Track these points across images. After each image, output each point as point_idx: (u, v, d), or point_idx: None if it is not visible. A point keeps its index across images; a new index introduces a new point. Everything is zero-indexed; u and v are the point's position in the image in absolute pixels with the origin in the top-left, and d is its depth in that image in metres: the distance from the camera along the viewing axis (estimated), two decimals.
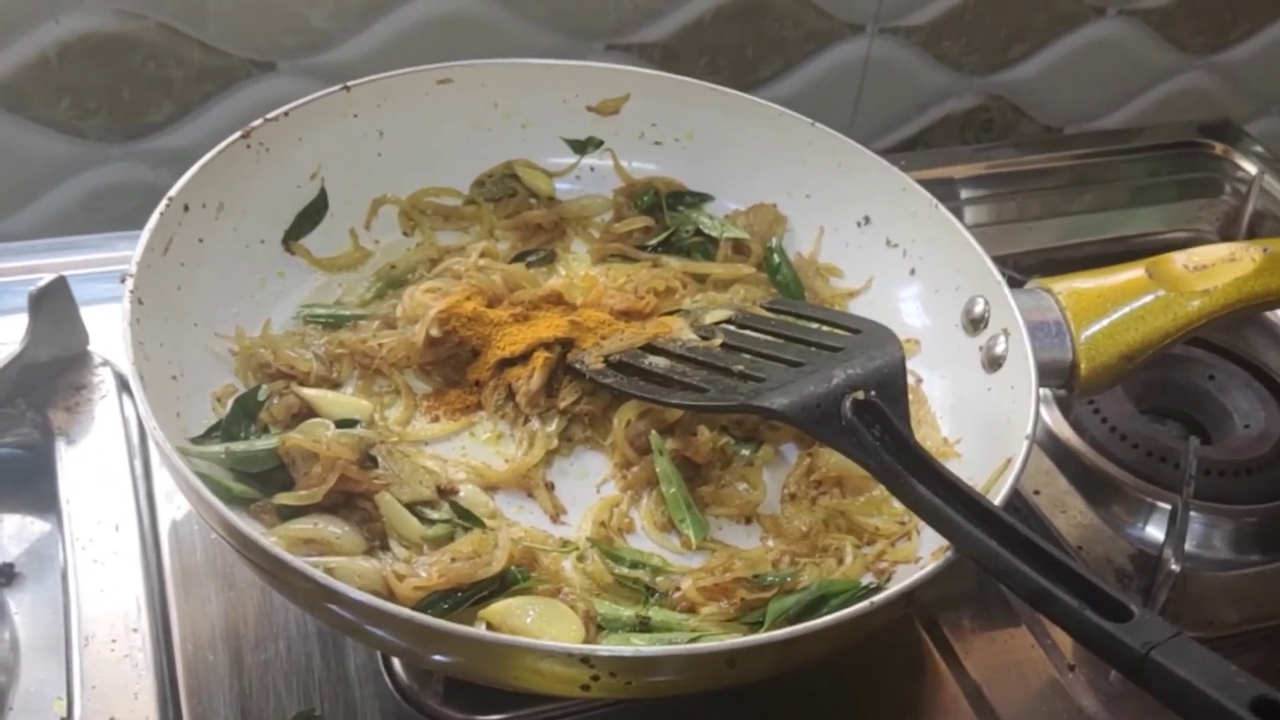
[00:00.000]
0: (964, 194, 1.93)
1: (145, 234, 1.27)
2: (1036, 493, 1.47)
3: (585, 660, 1.00)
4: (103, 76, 1.74)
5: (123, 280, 1.22)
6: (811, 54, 2.05)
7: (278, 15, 1.76)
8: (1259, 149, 2.02)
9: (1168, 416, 1.65)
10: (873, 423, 1.17)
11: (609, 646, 1.11)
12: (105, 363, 1.43)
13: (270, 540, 1.08)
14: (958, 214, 1.68)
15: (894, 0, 2.03)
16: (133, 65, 1.74)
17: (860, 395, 1.18)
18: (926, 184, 1.49)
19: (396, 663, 1.24)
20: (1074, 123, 2.30)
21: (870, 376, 1.21)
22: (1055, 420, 1.57)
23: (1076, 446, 1.54)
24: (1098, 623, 1.01)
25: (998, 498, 1.15)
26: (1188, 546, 1.41)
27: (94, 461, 1.35)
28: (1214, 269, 1.38)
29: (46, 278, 1.38)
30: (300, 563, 1.04)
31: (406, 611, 1.02)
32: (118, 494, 1.32)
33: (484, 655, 1.04)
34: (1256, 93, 2.37)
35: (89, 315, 1.43)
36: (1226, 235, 1.95)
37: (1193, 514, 1.43)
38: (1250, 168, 1.99)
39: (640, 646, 1.11)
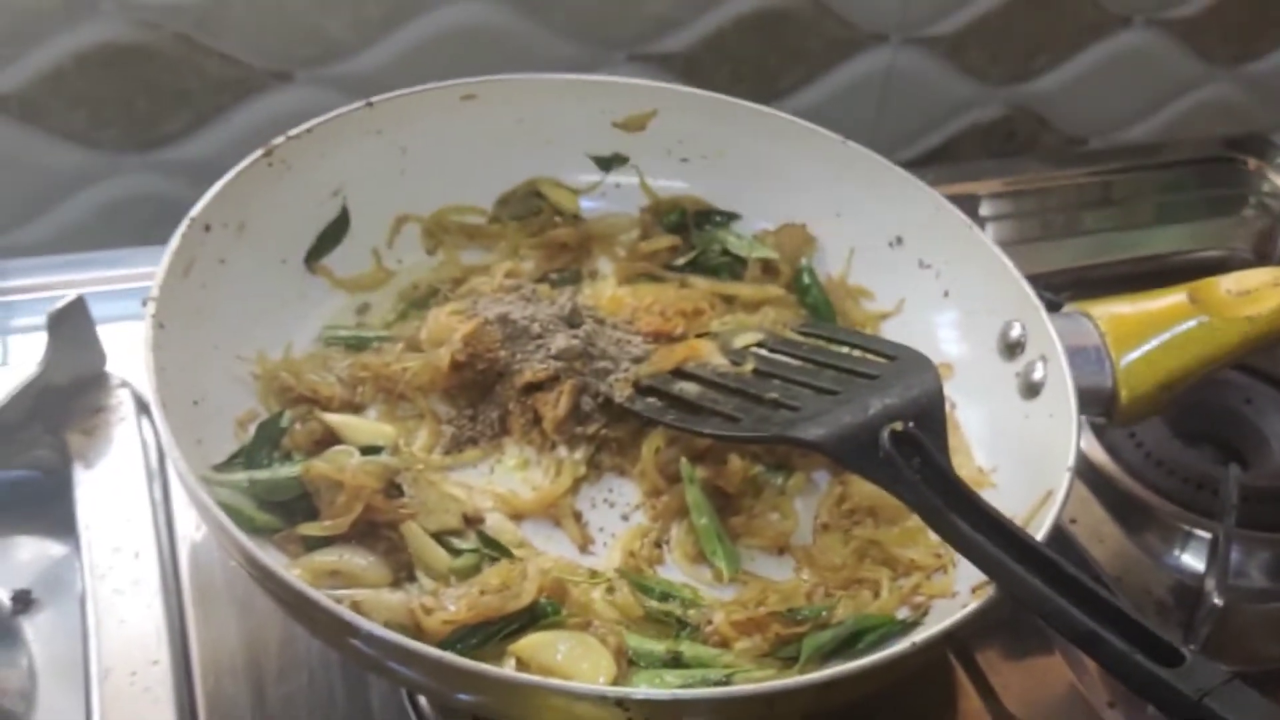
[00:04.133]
0: (986, 210, 1.91)
1: (166, 256, 1.24)
2: (1073, 521, 1.45)
3: (620, 703, 0.98)
4: (118, 87, 1.71)
5: (144, 304, 1.20)
6: (834, 64, 2.02)
7: (295, 25, 1.74)
8: None
9: (1203, 441, 1.62)
10: (911, 455, 1.14)
11: (644, 690, 1.09)
12: (124, 384, 1.40)
13: (295, 574, 1.05)
14: (982, 230, 1.66)
15: (918, 10, 2.00)
16: (149, 76, 1.71)
17: (899, 426, 1.15)
18: (950, 199, 1.46)
19: (422, 699, 1.21)
20: (1099, 134, 2.28)
21: (908, 406, 1.18)
22: (1090, 445, 1.54)
23: (1112, 472, 1.52)
24: (1150, 669, 0.98)
25: (1040, 532, 1.13)
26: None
27: (112, 486, 1.32)
28: (1259, 294, 1.35)
29: (65, 297, 1.35)
30: (325, 599, 1.01)
31: (434, 651, 1.00)
32: (137, 520, 1.29)
33: (514, 696, 1.02)
34: None
35: (106, 333, 1.40)
36: (1261, 254, 1.92)
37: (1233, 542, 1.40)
38: None
39: (676, 689, 1.08)
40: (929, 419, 1.18)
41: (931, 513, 1.12)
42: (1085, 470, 1.52)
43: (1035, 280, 1.37)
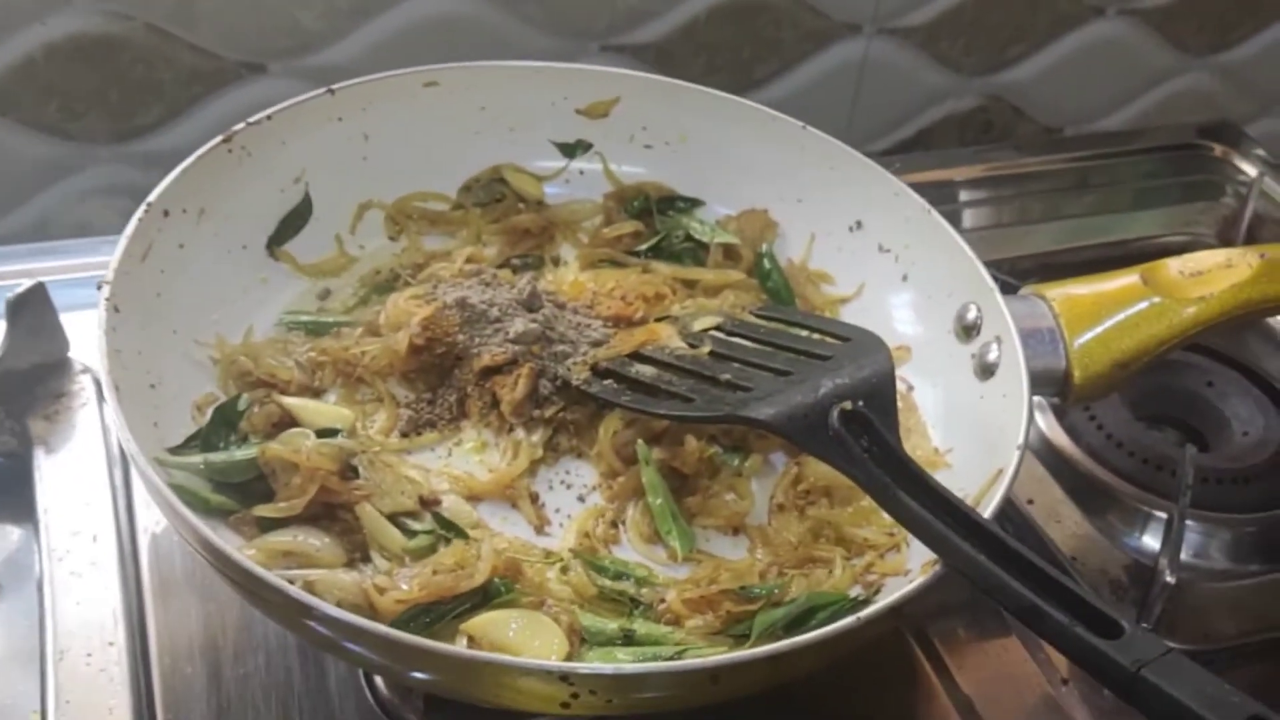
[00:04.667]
0: (963, 196, 1.91)
1: (123, 240, 1.25)
2: (1030, 502, 1.45)
3: (564, 678, 0.99)
4: (91, 78, 1.72)
5: (99, 287, 1.20)
6: (808, 54, 2.03)
7: (268, 17, 1.74)
8: (1259, 151, 2.00)
9: (1165, 423, 1.63)
10: (861, 433, 1.15)
11: (588, 664, 1.09)
12: (86, 370, 1.41)
13: (245, 555, 1.06)
14: (956, 217, 1.67)
15: (891, 0, 2.01)
16: (121, 67, 1.72)
17: (848, 405, 1.16)
18: (925, 186, 1.47)
19: (377, 678, 1.22)
20: (1074, 123, 2.28)
21: (859, 386, 1.19)
22: (1050, 427, 1.55)
23: (1072, 454, 1.53)
24: (1088, 640, 0.99)
25: (988, 509, 1.13)
26: (1185, 557, 1.40)
27: (73, 471, 1.33)
28: (1210, 275, 1.35)
29: (25, 284, 1.36)
30: (276, 579, 1.02)
31: (384, 629, 1.00)
32: (96, 504, 1.30)
33: (463, 673, 1.03)
34: (1258, 93, 2.35)
35: (70, 321, 1.41)
36: (1225, 239, 1.93)
37: (1190, 523, 1.41)
38: (1250, 170, 1.97)
39: (621, 664, 1.09)
40: (879, 398, 1.19)
41: (879, 490, 1.13)
42: (1044, 451, 1.53)
43: (1003, 265, 1.39)
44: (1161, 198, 2.00)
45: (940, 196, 1.44)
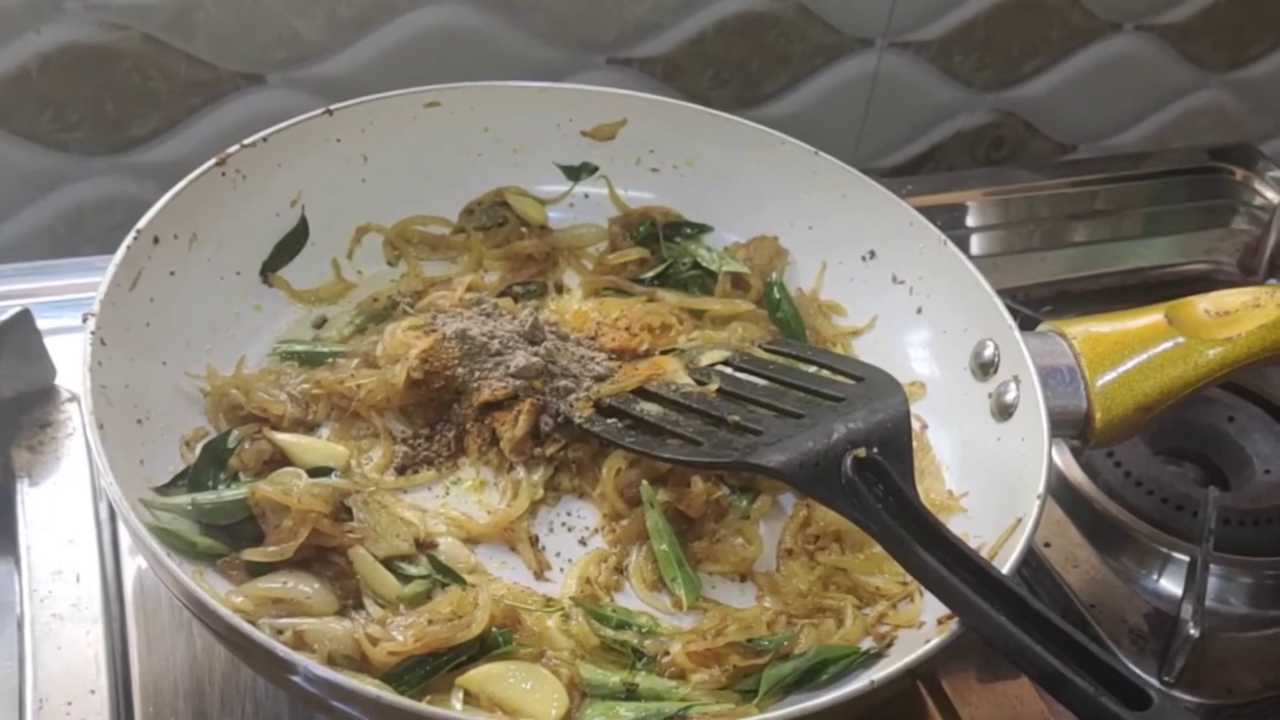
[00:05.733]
0: (973, 220, 1.88)
1: (110, 268, 1.21)
2: (1047, 545, 1.41)
3: None
4: (86, 89, 1.69)
5: (84, 319, 1.16)
6: (818, 69, 2.00)
7: (267, 27, 1.71)
8: (1277, 174, 1.96)
9: (1184, 458, 1.59)
10: (875, 482, 1.11)
11: None
12: (73, 398, 1.36)
13: (232, 603, 1.02)
14: (966, 242, 1.63)
15: (904, 14, 1.97)
16: (117, 77, 1.69)
17: (862, 453, 1.12)
18: (935, 209, 1.44)
19: None
20: (1088, 140, 2.25)
21: (873, 431, 1.15)
22: (1067, 464, 1.51)
23: (1089, 493, 1.49)
24: (1114, 711, 0.95)
25: (1008, 562, 1.10)
26: (1206, 603, 1.35)
27: (57, 505, 1.29)
28: (1237, 315, 1.31)
29: (11, 308, 1.32)
30: (260, 635, 0.98)
31: (374, 690, 0.97)
32: (80, 541, 1.26)
33: None
34: (1276, 110, 2.32)
35: (57, 346, 1.37)
36: (1247, 267, 1.88)
37: (1210, 567, 1.37)
38: (1271, 195, 1.94)
39: None
40: (894, 445, 1.15)
41: (894, 543, 1.09)
42: (1061, 491, 1.49)
43: (1018, 293, 1.35)
44: (1179, 223, 1.96)
45: (949, 220, 1.41)
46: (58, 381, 1.38)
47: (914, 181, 1.83)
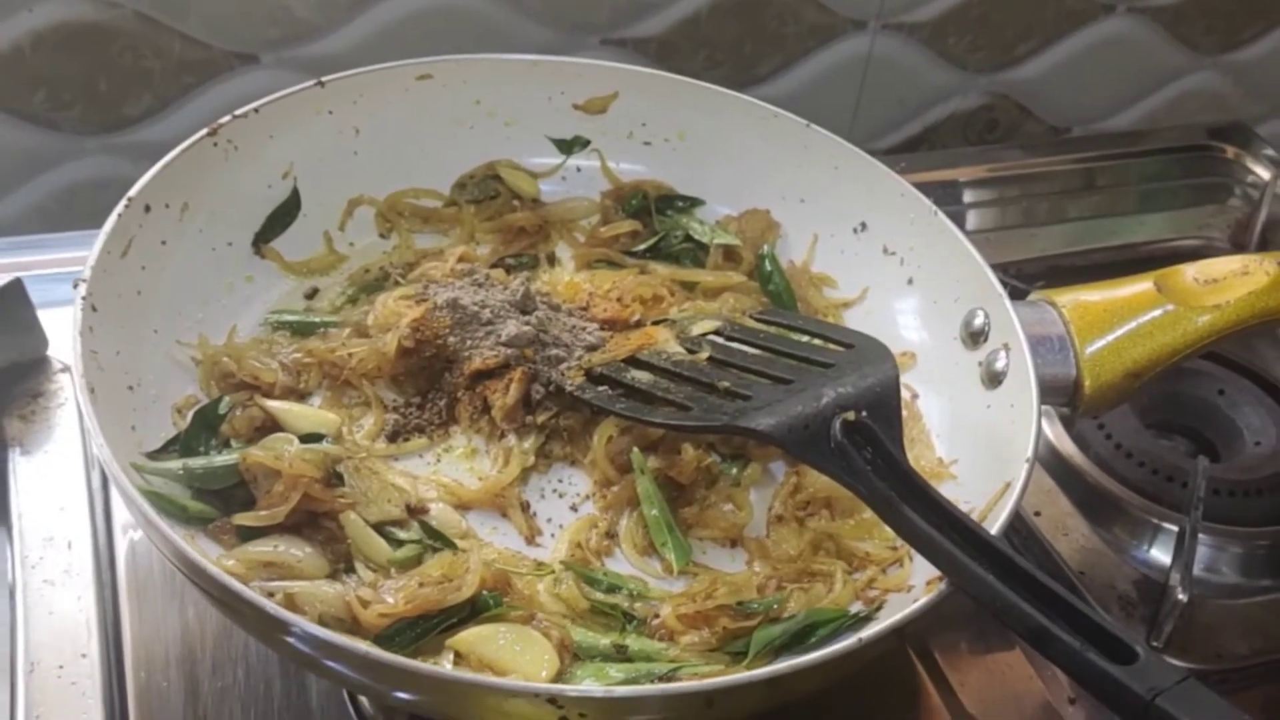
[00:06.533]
0: (968, 197, 1.88)
1: (101, 236, 1.21)
2: (1037, 514, 1.42)
3: (553, 700, 0.95)
4: (79, 67, 1.69)
5: (75, 285, 1.16)
6: (812, 50, 2.00)
7: (260, 6, 1.71)
8: (1270, 152, 1.97)
9: (1175, 432, 1.60)
10: (864, 445, 1.12)
11: (578, 686, 1.05)
12: (65, 369, 1.37)
13: (223, 566, 1.02)
14: (961, 218, 1.63)
15: None
16: (110, 56, 1.69)
17: (851, 416, 1.13)
18: (929, 186, 1.44)
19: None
20: (1081, 123, 2.25)
21: (862, 396, 1.15)
22: (1058, 436, 1.51)
23: (1080, 464, 1.49)
24: (1100, 665, 0.95)
25: (996, 525, 1.10)
26: (1195, 572, 1.36)
27: (49, 473, 1.29)
28: (1225, 283, 1.32)
29: (2, 280, 1.32)
30: (253, 594, 0.98)
31: (365, 648, 0.97)
32: (72, 508, 1.26)
33: (448, 694, 0.99)
34: (1268, 93, 2.32)
35: (50, 318, 1.38)
36: (1239, 243, 1.89)
37: (1200, 537, 1.38)
38: (1263, 173, 1.94)
39: (612, 687, 1.05)
40: (883, 409, 1.15)
41: (883, 505, 1.09)
42: (1052, 462, 1.49)
43: (1010, 268, 1.35)
44: (1171, 200, 1.96)
45: (944, 197, 1.41)
46: (49, 353, 1.39)
47: (907, 159, 1.83)
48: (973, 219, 1.85)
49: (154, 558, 1.25)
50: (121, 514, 1.29)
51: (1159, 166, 1.99)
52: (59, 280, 1.44)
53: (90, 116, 1.74)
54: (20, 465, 1.29)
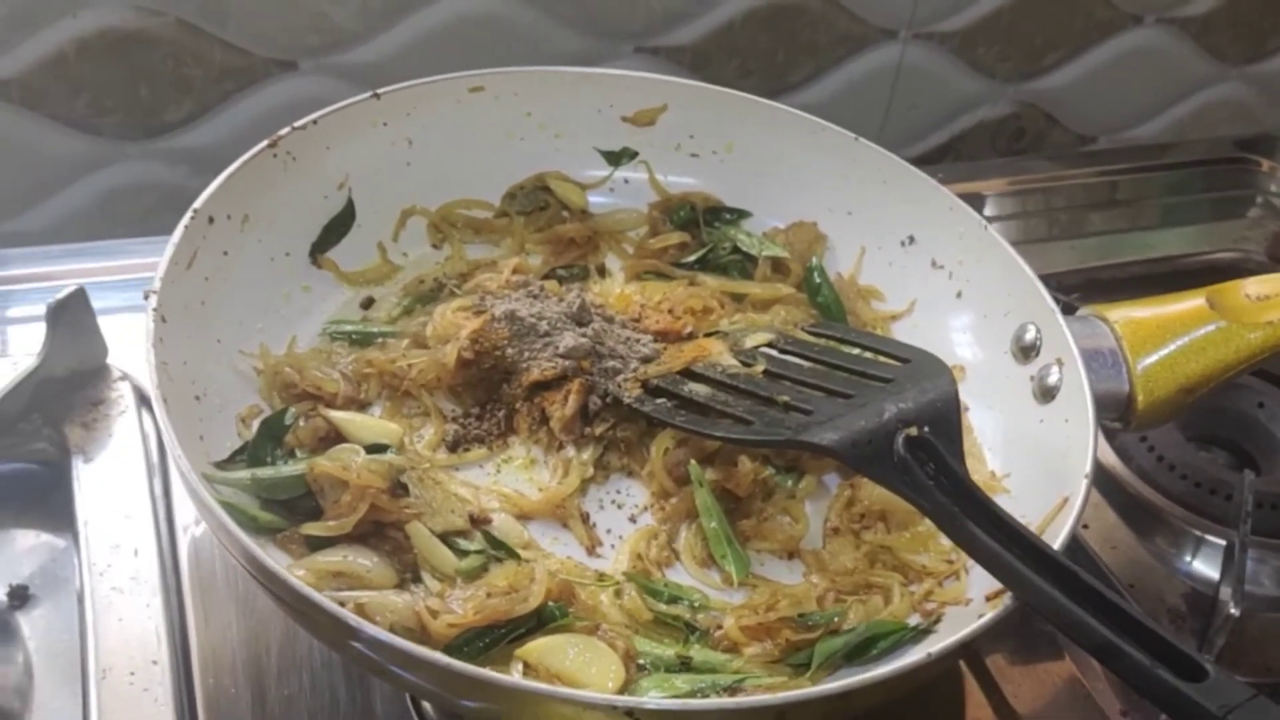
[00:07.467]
0: (994, 210, 1.89)
1: (169, 247, 1.22)
2: (1085, 526, 1.43)
3: (630, 714, 0.96)
4: (121, 74, 1.70)
5: (146, 297, 1.17)
6: (843, 59, 2.01)
7: (300, 14, 1.72)
8: None
9: (1214, 444, 1.60)
10: (926, 460, 1.13)
11: (655, 699, 1.07)
12: (124, 376, 1.38)
13: (297, 577, 1.03)
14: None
15: (928, 6, 1.99)
16: (152, 63, 1.70)
17: (913, 431, 1.14)
18: (959, 198, 1.44)
19: (425, 702, 1.19)
20: (1108, 132, 2.26)
21: (923, 411, 1.16)
22: (1101, 449, 1.51)
23: (1124, 477, 1.50)
24: (1172, 683, 0.96)
25: (1056, 540, 1.11)
26: None
27: (112, 480, 1.30)
28: (1277, 300, 1.33)
29: (65, 287, 1.33)
30: (328, 602, 0.99)
31: (440, 657, 0.98)
32: (136, 515, 1.27)
33: (521, 703, 1.00)
34: None
35: (107, 325, 1.38)
36: (1275, 256, 1.90)
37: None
38: None
39: (686, 699, 1.06)
40: (944, 424, 1.16)
41: (947, 519, 1.10)
42: (1096, 474, 1.48)
43: (1049, 281, 1.36)
44: (1202, 212, 1.97)
45: (975, 208, 1.41)
46: (109, 360, 1.39)
47: (937, 171, 1.84)
48: (999, 232, 1.85)
49: (217, 564, 1.27)
50: (183, 521, 1.30)
51: (1186, 178, 2.00)
52: (113, 287, 1.46)
53: (131, 122, 1.75)
54: (84, 473, 1.30)
